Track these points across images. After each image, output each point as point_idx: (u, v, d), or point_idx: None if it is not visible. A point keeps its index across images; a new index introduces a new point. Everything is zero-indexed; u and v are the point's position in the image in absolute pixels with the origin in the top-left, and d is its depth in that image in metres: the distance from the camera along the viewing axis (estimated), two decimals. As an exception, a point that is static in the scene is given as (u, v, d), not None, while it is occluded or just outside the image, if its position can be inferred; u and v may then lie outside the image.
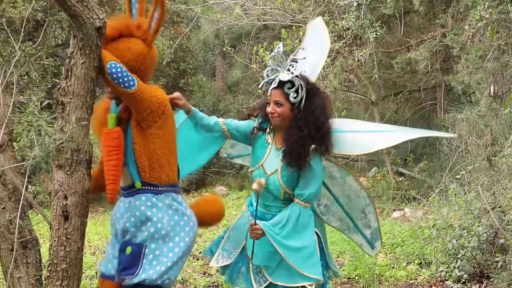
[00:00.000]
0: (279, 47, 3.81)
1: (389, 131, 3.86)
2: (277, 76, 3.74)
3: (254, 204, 3.82)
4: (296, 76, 3.69)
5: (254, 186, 3.68)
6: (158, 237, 3.57)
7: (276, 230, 3.70)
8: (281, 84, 3.70)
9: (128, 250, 3.55)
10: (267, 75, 3.80)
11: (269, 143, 3.88)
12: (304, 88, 3.70)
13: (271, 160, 3.84)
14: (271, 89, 3.75)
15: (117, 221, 3.65)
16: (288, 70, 3.71)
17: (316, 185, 3.75)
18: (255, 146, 3.99)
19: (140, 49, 3.52)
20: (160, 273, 3.50)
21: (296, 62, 3.75)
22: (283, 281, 3.77)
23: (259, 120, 3.98)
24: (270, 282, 3.83)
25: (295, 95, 3.68)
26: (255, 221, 3.75)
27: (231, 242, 4.14)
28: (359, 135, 3.83)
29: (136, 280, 3.47)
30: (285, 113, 3.72)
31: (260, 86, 4.02)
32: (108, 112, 3.61)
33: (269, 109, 3.76)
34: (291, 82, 3.68)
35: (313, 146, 3.67)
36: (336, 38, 11.05)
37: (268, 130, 3.93)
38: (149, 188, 3.65)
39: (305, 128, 3.67)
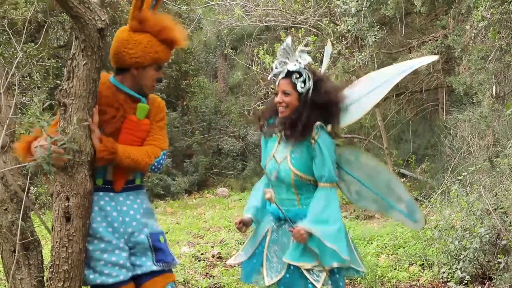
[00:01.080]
0: (288, 40, 3.90)
1: (378, 85, 3.93)
2: (285, 67, 3.83)
3: (278, 211, 3.87)
4: (304, 68, 3.80)
5: (266, 195, 3.75)
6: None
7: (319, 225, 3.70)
8: (289, 74, 3.81)
9: (161, 239, 3.75)
10: (276, 68, 3.89)
11: (277, 136, 3.96)
12: (311, 79, 3.79)
13: (281, 149, 3.92)
14: (280, 79, 3.86)
15: (122, 220, 3.62)
16: (296, 60, 3.81)
17: (327, 162, 3.76)
18: (268, 143, 4.09)
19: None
20: None
21: (305, 53, 3.84)
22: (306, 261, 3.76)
23: (268, 121, 4.06)
24: (283, 276, 3.84)
25: (303, 85, 3.77)
26: (292, 227, 3.73)
27: (250, 242, 4.21)
28: (359, 103, 3.94)
29: (176, 263, 3.84)
30: (293, 102, 3.80)
31: (269, 78, 4.09)
32: (124, 102, 3.60)
33: (277, 98, 3.85)
34: (299, 72, 3.78)
35: (318, 123, 3.74)
36: (337, 40, 11.06)
37: (277, 123, 3.97)
38: (142, 184, 3.84)
39: (306, 111, 3.76)
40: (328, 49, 4.44)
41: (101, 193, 3.55)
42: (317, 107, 3.78)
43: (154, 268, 3.67)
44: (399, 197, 3.97)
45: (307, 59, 3.82)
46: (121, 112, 3.55)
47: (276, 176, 3.88)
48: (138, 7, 3.46)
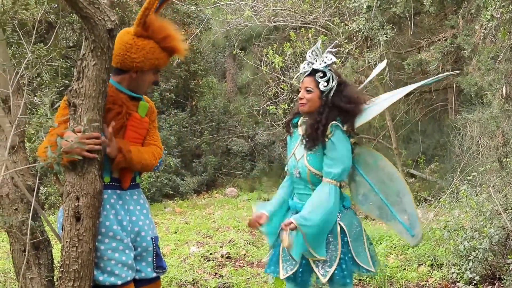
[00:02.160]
0: (318, 43, 3.98)
1: (397, 93, 4.06)
2: (311, 66, 3.91)
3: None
4: (330, 69, 3.88)
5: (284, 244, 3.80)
6: None
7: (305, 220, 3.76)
8: (314, 72, 3.88)
9: (159, 244, 3.81)
10: (304, 68, 3.96)
11: (300, 134, 4.03)
12: (335, 80, 3.86)
13: (300, 147, 3.98)
14: (304, 77, 3.93)
15: (129, 218, 3.65)
16: (323, 60, 3.89)
17: (342, 161, 3.81)
18: (290, 142, 4.15)
19: None
20: None
21: (331, 54, 3.92)
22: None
23: (293, 120, 4.14)
24: (296, 270, 3.92)
25: (325, 84, 3.84)
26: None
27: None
28: (375, 105, 4.01)
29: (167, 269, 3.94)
30: (314, 99, 3.86)
31: (295, 77, 4.18)
32: (123, 99, 3.63)
33: (299, 95, 3.93)
34: (323, 72, 3.86)
35: (333, 122, 3.79)
36: (346, 40, 11.05)
37: (300, 122, 4.06)
38: (139, 183, 3.88)
39: (326, 113, 3.82)
40: (382, 65, 4.57)
41: (109, 191, 3.57)
42: (336, 108, 3.84)
43: (154, 275, 3.74)
44: (404, 208, 4.03)
45: (332, 59, 3.89)
46: (125, 109, 3.59)
47: (299, 173, 3.95)
48: (146, 15, 3.49)
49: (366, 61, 10.71)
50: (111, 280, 3.47)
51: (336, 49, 4.19)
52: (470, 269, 5.97)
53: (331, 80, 3.84)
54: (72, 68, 3.33)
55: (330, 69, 3.88)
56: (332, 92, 3.84)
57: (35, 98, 4.26)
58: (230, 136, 17.42)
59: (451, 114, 13.15)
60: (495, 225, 5.95)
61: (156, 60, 3.61)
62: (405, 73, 12.34)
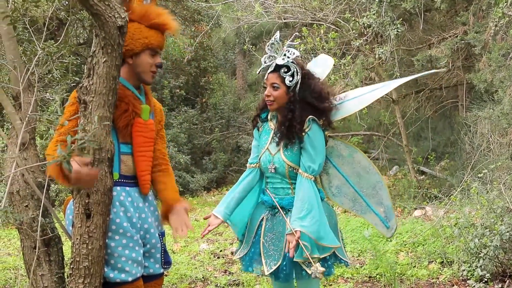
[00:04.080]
0: (276, 35, 3.97)
1: (380, 87, 4.03)
2: (274, 61, 3.91)
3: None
4: (292, 62, 3.88)
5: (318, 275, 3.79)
6: None
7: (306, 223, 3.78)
8: (278, 68, 3.89)
9: (164, 240, 3.81)
10: (265, 62, 3.97)
11: (272, 128, 4.07)
12: (299, 73, 3.87)
13: (273, 142, 4.01)
14: (268, 73, 3.94)
15: (139, 216, 3.65)
16: (285, 55, 3.89)
17: (320, 156, 3.89)
18: (261, 136, 4.17)
19: None
20: None
21: (293, 47, 3.93)
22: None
23: (261, 114, 4.20)
24: (279, 265, 3.92)
25: (291, 78, 3.85)
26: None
27: (247, 234, 4.27)
28: (356, 100, 4.02)
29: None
30: (281, 96, 3.88)
31: (257, 72, 4.16)
32: (131, 100, 3.61)
33: (266, 92, 3.95)
34: (287, 66, 3.86)
35: (310, 117, 3.82)
36: (357, 35, 11.02)
37: (269, 117, 4.12)
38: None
39: (298, 109, 3.83)
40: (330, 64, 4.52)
41: (118, 188, 3.57)
42: (309, 104, 3.86)
43: (162, 271, 3.76)
44: (380, 200, 4.10)
45: (295, 53, 3.89)
46: (131, 107, 3.57)
47: (275, 168, 3.97)
48: (126, 0, 3.46)
49: (377, 56, 10.66)
50: (121, 277, 3.47)
51: (297, 43, 4.24)
52: (480, 266, 5.95)
53: (295, 74, 3.85)
54: (83, 65, 3.32)
55: (293, 62, 3.88)
56: (298, 85, 3.86)
57: (47, 94, 4.26)
58: (240, 133, 17.41)
59: (462, 111, 13.10)
60: (506, 222, 5.93)
61: (146, 39, 3.55)
62: (415, 70, 12.28)
